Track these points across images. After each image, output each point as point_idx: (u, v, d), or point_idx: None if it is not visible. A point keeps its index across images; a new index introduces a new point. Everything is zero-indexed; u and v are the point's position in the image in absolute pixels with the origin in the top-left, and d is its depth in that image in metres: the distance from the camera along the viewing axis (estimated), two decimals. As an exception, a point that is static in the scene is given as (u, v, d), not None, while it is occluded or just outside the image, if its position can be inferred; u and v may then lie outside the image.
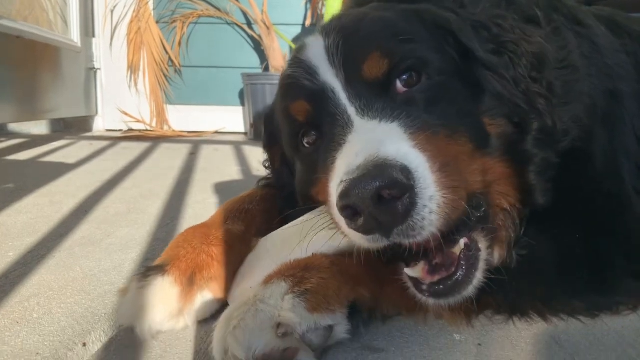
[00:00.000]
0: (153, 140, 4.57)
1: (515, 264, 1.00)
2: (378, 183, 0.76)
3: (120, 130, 5.29)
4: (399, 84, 0.99)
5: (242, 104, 5.33)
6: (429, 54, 1.01)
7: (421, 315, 1.01)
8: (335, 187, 0.86)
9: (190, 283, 1.01)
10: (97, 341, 0.98)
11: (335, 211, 0.86)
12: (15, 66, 4.00)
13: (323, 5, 4.68)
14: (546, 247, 1.02)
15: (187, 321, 1.01)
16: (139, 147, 3.93)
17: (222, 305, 1.06)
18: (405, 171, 0.80)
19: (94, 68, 5.35)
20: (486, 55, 1.03)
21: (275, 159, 1.33)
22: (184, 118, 5.40)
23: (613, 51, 1.27)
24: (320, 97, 1.01)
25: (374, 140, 0.87)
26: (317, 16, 4.97)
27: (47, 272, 1.30)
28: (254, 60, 5.33)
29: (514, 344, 0.96)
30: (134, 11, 5.22)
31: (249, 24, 5.24)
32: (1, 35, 3.72)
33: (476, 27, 1.06)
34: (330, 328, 0.88)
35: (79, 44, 5.06)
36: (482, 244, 0.96)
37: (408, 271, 0.93)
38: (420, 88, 0.99)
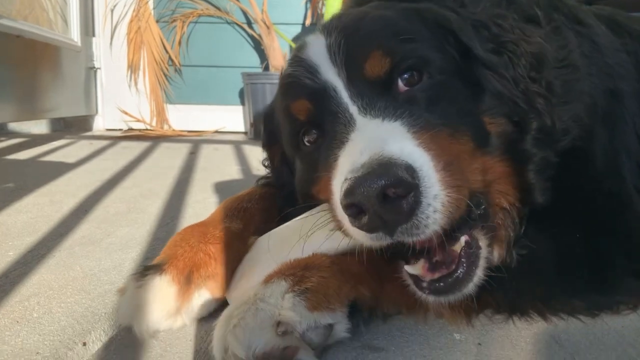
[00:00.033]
0: (153, 139, 4.57)
1: (515, 263, 1.00)
2: (383, 181, 0.76)
3: (120, 130, 5.29)
4: (400, 83, 0.99)
5: (242, 103, 5.33)
6: (430, 53, 1.01)
7: (421, 314, 1.01)
8: (338, 185, 0.86)
9: (187, 282, 1.01)
10: (97, 340, 0.98)
11: (339, 209, 0.86)
12: (15, 65, 4.00)
13: (323, 4, 4.68)
14: (546, 247, 1.02)
15: (185, 320, 1.02)
16: (139, 147, 3.93)
17: (221, 304, 1.06)
18: (410, 170, 0.80)
19: (94, 67, 5.35)
20: (486, 55, 1.03)
21: (275, 158, 1.33)
22: (184, 117, 5.39)
23: (613, 50, 1.27)
24: (322, 95, 1.01)
25: (378, 138, 0.87)
26: (317, 15, 4.97)
27: (47, 271, 1.30)
28: (254, 59, 5.32)
29: (513, 343, 0.96)
30: (134, 10, 5.22)
31: (249, 23, 5.24)
32: (1, 35, 3.72)
33: (476, 27, 1.06)
34: (330, 327, 0.88)
35: (79, 43, 5.06)
36: (483, 242, 0.96)
37: (408, 268, 0.93)
38: (421, 87, 0.99)
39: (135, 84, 5.38)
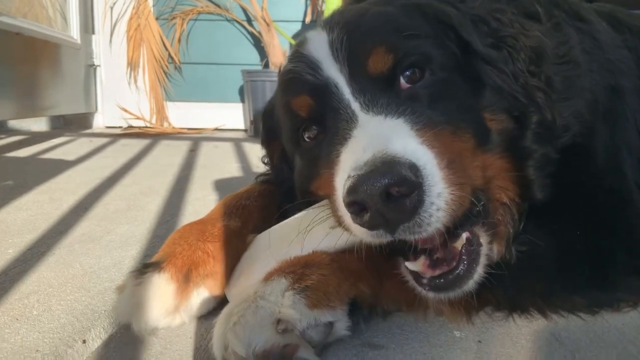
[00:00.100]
0: (153, 137, 4.57)
1: (514, 259, 1.00)
2: (386, 180, 0.76)
3: (120, 127, 5.29)
4: (402, 80, 0.99)
5: (242, 100, 5.32)
6: (432, 49, 1.01)
7: (421, 311, 1.01)
8: (341, 181, 0.85)
9: (186, 280, 1.01)
10: (97, 338, 0.98)
11: (341, 206, 0.86)
12: (14, 63, 4.00)
13: (323, 1, 4.68)
14: (546, 243, 1.01)
15: (183, 318, 1.01)
16: (138, 144, 3.93)
17: (220, 301, 1.06)
18: (414, 168, 0.79)
19: (94, 65, 5.35)
20: (485, 50, 1.03)
21: (274, 155, 1.33)
22: (184, 115, 5.39)
23: (614, 47, 1.27)
24: (323, 91, 1.01)
25: (381, 135, 0.87)
26: (317, 13, 4.96)
27: (46, 269, 1.30)
28: (253, 56, 5.32)
29: (514, 341, 0.96)
30: (133, 8, 5.21)
31: (249, 21, 5.23)
32: (1, 32, 3.71)
33: (475, 21, 1.06)
34: (330, 324, 0.88)
35: (79, 41, 5.05)
36: (484, 239, 0.96)
37: (409, 265, 0.93)
38: (423, 84, 0.99)
39: (135, 81, 5.38)
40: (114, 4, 5.29)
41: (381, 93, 0.97)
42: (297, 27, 5.16)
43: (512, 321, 1.01)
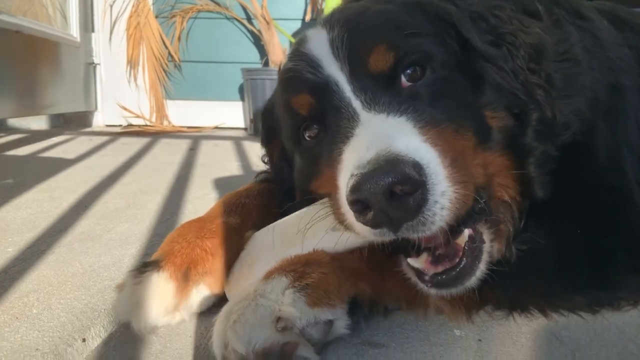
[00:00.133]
0: (152, 135, 4.56)
1: (515, 258, 1.00)
2: (390, 179, 0.76)
3: (119, 126, 5.28)
4: (403, 79, 0.99)
5: (242, 99, 5.32)
6: (433, 47, 1.01)
7: (422, 309, 1.00)
8: (344, 180, 0.85)
9: (185, 278, 1.01)
10: (97, 337, 0.98)
11: (343, 204, 0.86)
12: (14, 61, 3.99)
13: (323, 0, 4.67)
14: (547, 242, 1.01)
15: (183, 316, 1.01)
16: (138, 143, 3.93)
17: (220, 299, 1.06)
18: (417, 167, 0.79)
19: (93, 63, 5.34)
20: (485, 47, 1.02)
21: (274, 154, 1.33)
22: (184, 113, 5.39)
23: (615, 45, 1.27)
24: (324, 90, 1.01)
25: (384, 134, 0.86)
26: (317, 11, 4.95)
27: (46, 267, 1.30)
28: (253, 55, 5.31)
29: (514, 340, 0.96)
30: (133, 6, 5.20)
31: (249, 19, 5.23)
32: (0, 30, 3.71)
33: (474, 18, 1.05)
34: (330, 323, 0.88)
35: (78, 39, 5.05)
36: (486, 236, 0.95)
37: (411, 261, 0.93)
38: (424, 82, 0.99)
39: (135, 79, 5.38)
40: (114, 2, 5.28)
41: (382, 91, 0.96)
42: (297, 25, 5.15)
43: (512, 320, 1.01)
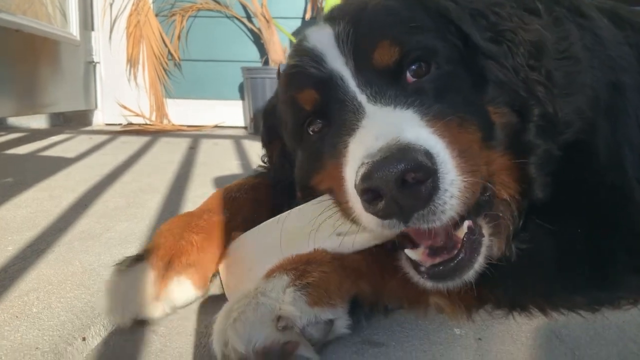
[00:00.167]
0: (152, 134, 4.56)
1: (515, 257, 1.00)
2: (403, 166, 0.76)
3: (119, 124, 5.28)
4: (408, 74, 0.99)
5: (242, 97, 5.31)
6: (437, 43, 1.01)
7: (422, 309, 1.00)
8: (353, 170, 0.85)
9: (166, 268, 1.01)
10: (97, 335, 0.98)
11: (351, 195, 0.86)
12: (14, 60, 3.99)
13: (323, -2, 4.66)
14: (547, 242, 1.01)
15: (165, 308, 1.01)
16: (138, 141, 3.92)
17: (220, 298, 1.06)
18: (429, 155, 0.79)
19: (93, 62, 5.34)
20: (486, 44, 1.02)
21: (274, 154, 1.32)
22: (184, 112, 5.38)
23: (616, 43, 1.26)
24: (329, 84, 1.00)
25: (392, 124, 0.86)
26: (317, 9, 4.95)
27: (46, 266, 1.30)
28: (253, 53, 5.30)
29: (514, 338, 0.96)
30: (133, 4, 5.20)
31: (249, 17, 5.22)
32: (0, 29, 3.70)
33: (474, 15, 1.05)
34: (330, 322, 0.88)
35: (78, 38, 5.04)
36: (485, 230, 0.95)
37: (408, 252, 0.92)
38: (429, 78, 0.99)
39: (135, 78, 5.37)
40: (114, 0, 5.27)
41: (388, 85, 0.96)
42: (297, 23, 5.15)
43: (512, 319, 1.01)
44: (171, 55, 5.29)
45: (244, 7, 5.19)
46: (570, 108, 1.05)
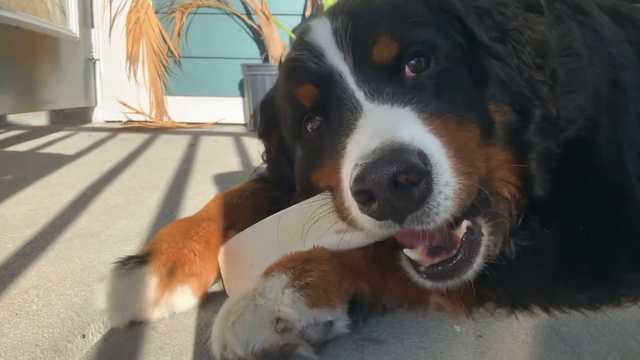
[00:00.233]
0: (152, 131, 4.56)
1: (514, 255, 1.00)
2: (395, 168, 0.75)
3: (119, 122, 5.27)
4: (407, 69, 0.98)
5: (242, 94, 5.31)
6: (437, 38, 1.00)
7: (422, 308, 1.00)
8: (348, 171, 0.85)
9: (169, 275, 1.01)
10: (97, 333, 0.98)
11: (347, 196, 0.85)
12: (13, 57, 3.98)
13: (323, -5, 4.65)
14: (548, 240, 1.01)
15: (163, 313, 1.01)
16: (138, 139, 3.92)
17: (220, 295, 1.05)
18: (422, 156, 0.79)
19: (93, 59, 5.33)
20: (491, 42, 1.02)
21: (271, 147, 1.32)
22: (184, 109, 5.38)
23: (616, 40, 1.26)
24: (328, 80, 1.00)
25: (388, 124, 0.86)
26: (316, 6, 4.94)
27: (46, 263, 1.30)
28: (253, 50, 5.30)
29: (514, 336, 0.95)
30: (132, 1, 5.18)
31: (249, 14, 5.21)
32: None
33: (480, 14, 1.05)
34: (329, 323, 0.87)
35: (78, 35, 5.03)
36: (485, 229, 0.95)
37: (408, 252, 0.92)
38: (429, 73, 0.98)
39: (135, 75, 5.36)
40: (113, -3, 5.27)
41: (386, 82, 0.96)
42: (297, 20, 5.14)
43: (513, 316, 1.01)
44: (171, 52, 5.28)
45: (244, 4, 5.18)
46: (572, 105, 1.04)
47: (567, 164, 1.02)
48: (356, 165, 0.80)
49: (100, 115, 5.45)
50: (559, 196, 1.01)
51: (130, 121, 5.24)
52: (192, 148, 3.52)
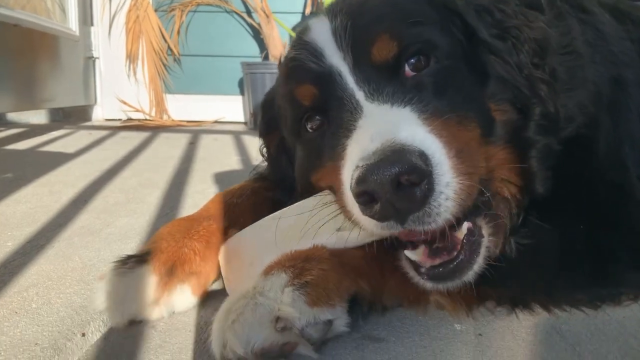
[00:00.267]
0: (152, 129, 4.56)
1: (514, 254, 1.00)
2: (397, 169, 0.75)
3: (119, 120, 5.27)
4: (407, 68, 0.97)
5: (242, 93, 5.30)
6: (438, 36, 1.00)
7: (422, 307, 1.00)
8: (348, 173, 0.84)
9: (169, 274, 1.01)
10: (97, 331, 0.98)
11: (349, 198, 0.85)
12: (13, 55, 3.98)
13: (323, -7, 4.64)
14: (548, 239, 1.01)
15: (162, 312, 1.01)
16: (138, 137, 3.92)
17: (220, 293, 1.05)
18: (423, 157, 0.79)
19: (93, 57, 5.32)
20: (491, 39, 1.01)
21: (271, 146, 1.31)
22: (183, 107, 5.37)
23: (617, 38, 1.26)
24: (327, 80, 0.99)
25: (388, 124, 0.85)
26: (316, 4, 4.93)
27: (46, 262, 1.30)
28: (253, 49, 5.29)
29: (514, 334, 0.95)
30: (132, -1, 5.18)
31: (249, 12, 5.20)
32: (-2, 24, 3.69)
33: (479, 12, 1.04)
34: (329, 322, 0.87)
35: (77, 33, 5.03)
36: (485, 230, 0.95)
37: (408, 253, 0.92)
38: (429, 72, 0.97)
39: (134, 73, 5.36)
40: (113, -5, 5.26)
41: (386, 82, 0.95)
42: (297, 18, 5.13)
43: (513, 315, 1.01)
44: (171, 50, 5.27)
45: (244, 2, 5.17)
46: (572, 103, 1.04)
47: (567, 162, 1.02)
48: (357, 166, 0.80)
49: (100, 114, 5.45)
50: (559, 194, 1.01)
51: (130, 119, 5.24)
52: (192, 146, 3.52)
